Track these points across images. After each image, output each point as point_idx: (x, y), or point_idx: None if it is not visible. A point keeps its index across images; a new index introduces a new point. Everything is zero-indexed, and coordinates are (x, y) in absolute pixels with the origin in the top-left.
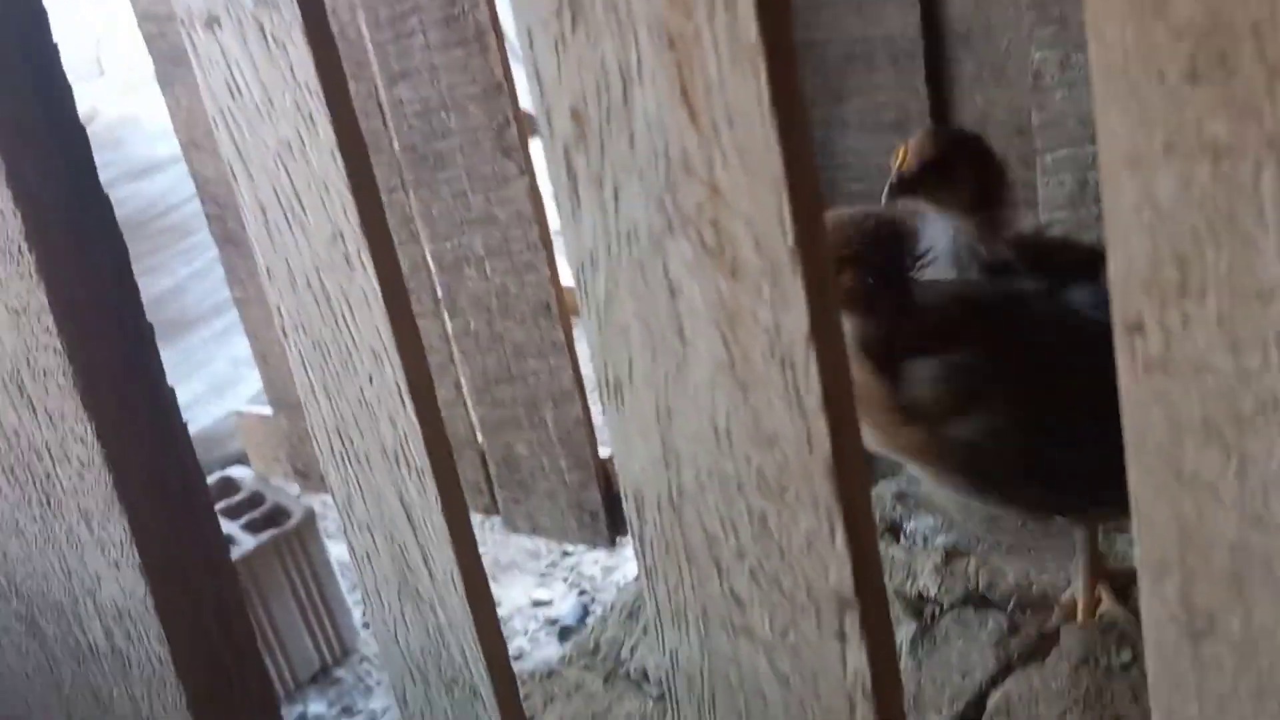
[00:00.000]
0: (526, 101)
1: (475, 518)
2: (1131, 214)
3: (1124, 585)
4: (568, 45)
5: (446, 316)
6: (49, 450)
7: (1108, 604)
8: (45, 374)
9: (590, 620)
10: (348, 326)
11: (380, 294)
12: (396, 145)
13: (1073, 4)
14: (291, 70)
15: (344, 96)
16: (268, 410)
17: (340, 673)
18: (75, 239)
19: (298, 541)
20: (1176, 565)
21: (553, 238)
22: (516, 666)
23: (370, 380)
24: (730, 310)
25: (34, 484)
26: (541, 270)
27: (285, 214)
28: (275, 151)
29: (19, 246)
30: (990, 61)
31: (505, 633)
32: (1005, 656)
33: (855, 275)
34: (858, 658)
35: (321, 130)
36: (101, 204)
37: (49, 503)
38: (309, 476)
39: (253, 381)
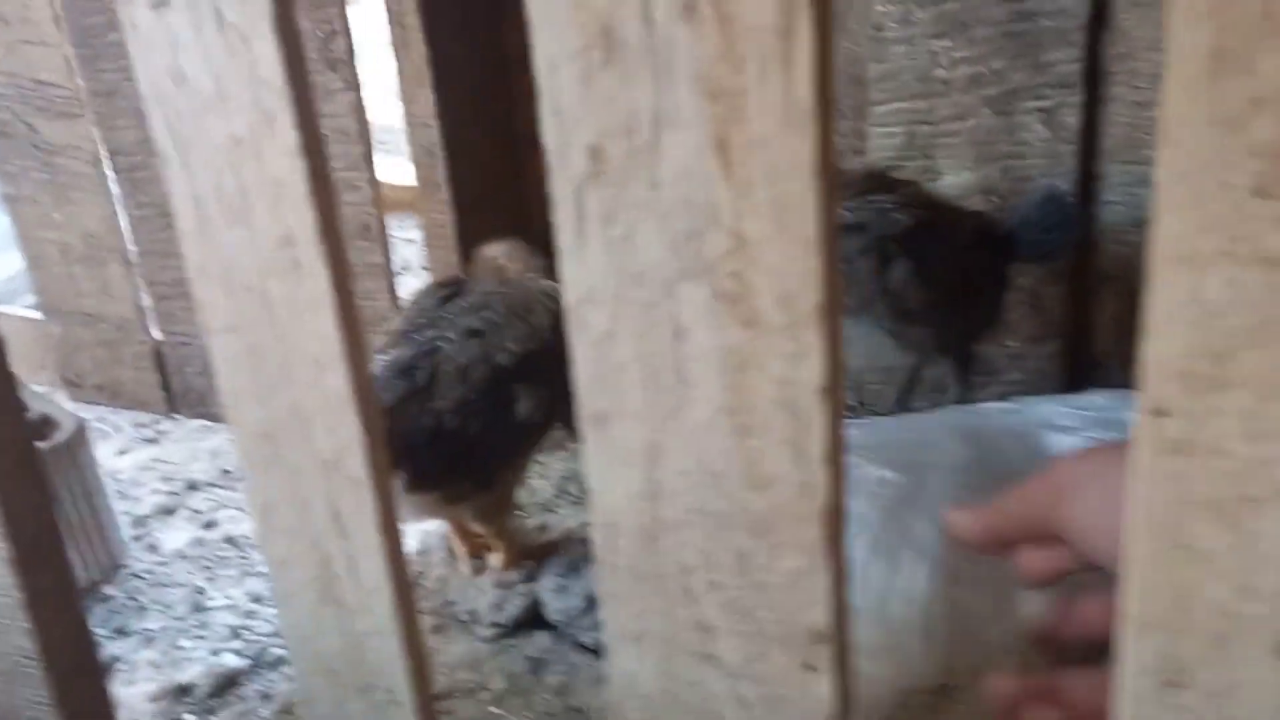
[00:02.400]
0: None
1: None
2: (1176, 308)
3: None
4: (595, 81)
5: None
6: None
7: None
8: None
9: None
10: (290, 332)
11: (332, 301)
12: None
13: None
14: (253, 65)
15: (307, 93)
16: (34, 314)
17: (111, 590)
18: None
19: (68, 455)
20: (1161, 624)
21: (374, 154)
22: None
23: (310, 388)
24: (740, 358)
25: None
26: (363, 190)
27: (226, 213)
28: (222, 146)
29: None
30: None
31: None
32: None
33: None
34: (823, 687)
35: (281, 129)
36: None
37: None
38: (81, 386)
39: None
